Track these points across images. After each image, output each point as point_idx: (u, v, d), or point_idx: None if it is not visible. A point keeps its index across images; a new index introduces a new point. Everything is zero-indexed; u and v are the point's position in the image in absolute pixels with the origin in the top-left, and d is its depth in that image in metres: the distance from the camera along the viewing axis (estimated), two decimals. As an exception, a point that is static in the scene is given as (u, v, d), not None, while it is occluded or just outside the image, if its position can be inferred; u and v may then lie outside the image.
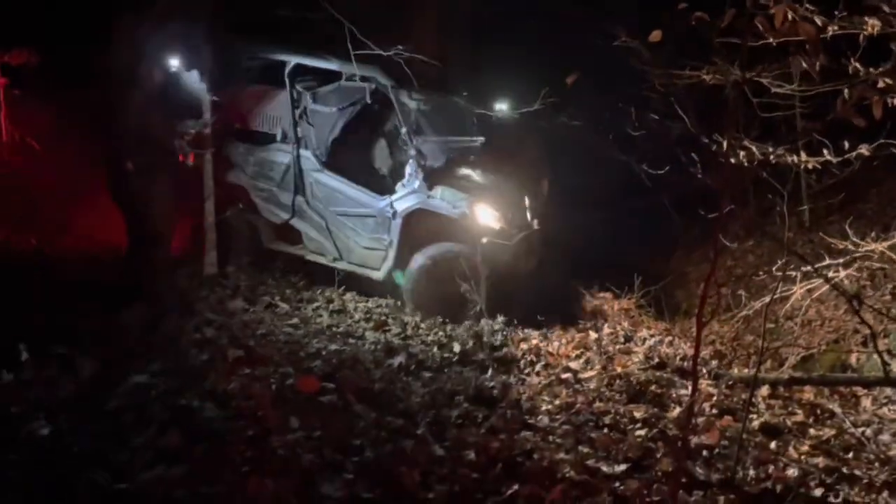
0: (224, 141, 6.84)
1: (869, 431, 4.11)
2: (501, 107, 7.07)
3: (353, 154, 7.00)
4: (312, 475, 3.18)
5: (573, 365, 4.88)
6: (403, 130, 6.44)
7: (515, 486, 3.21)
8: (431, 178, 6.36)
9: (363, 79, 6.45)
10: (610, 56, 4.33)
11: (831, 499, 3.30)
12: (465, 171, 6.58)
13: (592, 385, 4.56)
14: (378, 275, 6.57)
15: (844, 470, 3.61)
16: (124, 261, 5.73)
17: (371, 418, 3.90)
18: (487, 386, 4.47)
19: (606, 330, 5.50)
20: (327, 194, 6.78)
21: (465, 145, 6.88)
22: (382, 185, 6.84)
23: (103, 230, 7.10)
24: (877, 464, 3.72)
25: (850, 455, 3.83)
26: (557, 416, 4.11)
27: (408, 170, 6.40)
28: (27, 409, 3.44)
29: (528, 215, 6.58)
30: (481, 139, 6.87)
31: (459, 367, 4.78)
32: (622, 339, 5.37)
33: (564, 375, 4.70)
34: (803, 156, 3.10)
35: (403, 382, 4.56)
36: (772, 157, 2.68)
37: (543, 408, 4.22)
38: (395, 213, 6.42)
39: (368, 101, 6.64)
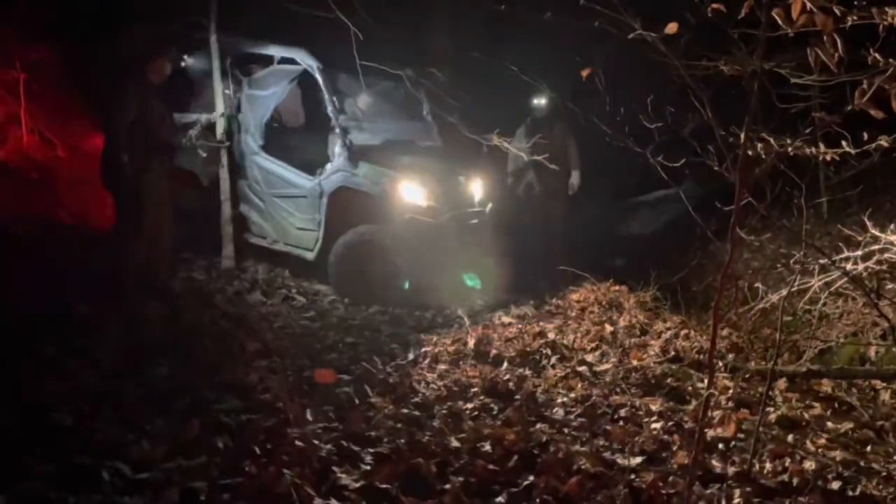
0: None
1: (888, 425, 4.08)
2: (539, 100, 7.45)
3: (292, 136, 7.23)
4: (330, 466, 3.21)
5: (589, 358, 4.88)
6: (329, 109, 6.47)
7: (531, 478, 3.22)
8: (358, 156, 6.39)
9: (293, 61, 6.71)
10: (626, 47, 4.33)
11: (849, 492, 3.28)
12: (398, 152, 6.62)
13: (608, 378, 4.55)
14: (311, 255, 6.60)
15: (862, 463, 3.59)
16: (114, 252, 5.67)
17: (387, 410, 3.93)
18: (503, 379, 4.48)
19: (622, 323, 5.48)
20: (264, 177, 6.88)
21: (412, 131, 7.12)
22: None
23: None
24: (895, 457, 3.69)
25: (869, 448, 3.80)
26: (573, 409, 4.12)
27: (336, 149, 6.45)
28: (50, 399, 3.50)
29: (475, 199, 6.67)
30: (431, 127, 7.21)
31: (474, 361, 4.79)
32: (638, 332, 5.35)
33: (580, 368, 4.70)
34: (821, 147, 3.08)
35: (419, 375, 4.58)
36: (790, 149, 2.65)
37: (559, 400, 4.22)
38: (321, 193, 6.48)
39: (297, 83, 6.84)
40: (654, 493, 3.10)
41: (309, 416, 3.73)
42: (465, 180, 6.74)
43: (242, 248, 7.00)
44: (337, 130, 6.46)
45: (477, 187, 6.84)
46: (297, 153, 6.89)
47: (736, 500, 3.09)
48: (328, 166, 6.50)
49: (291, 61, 6.78)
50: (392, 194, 6.22)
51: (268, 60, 7.02)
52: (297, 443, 3.36)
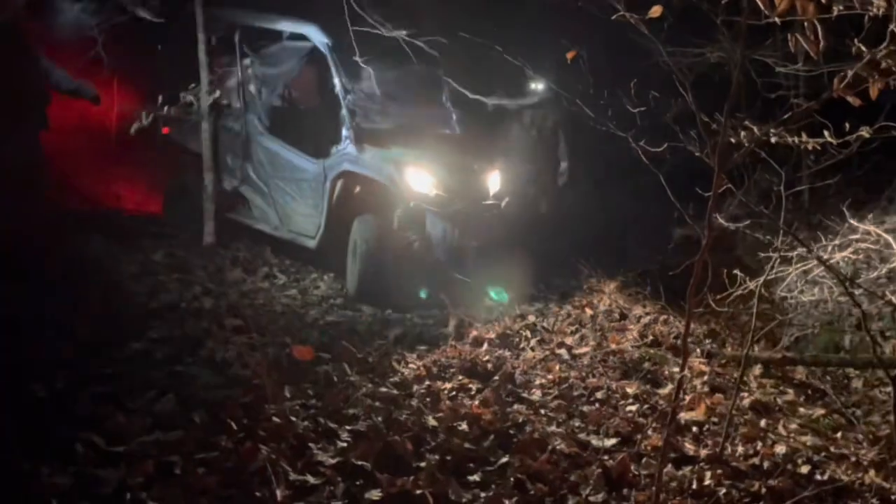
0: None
1: (859, 412, 4.16)
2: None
3: (300, 117, 6.74)
4: (306, 442, 3.23)
5: (568, 341, 4.91)
6: (337, 88, 6.07)
7: (506, 457, 3.25)
8: (366, 140, 5.92)
9: (304, 38, 6.33)
10: (609, 30, 4.31)
11: (818, 476, 3.34)
12: (409, 138, 6.06)
13: (586, 361, 4.59)
14: (312, 243, 6.24)
15: (833, 449, 3.66)
16: None
17: (366, 389, 3.94)
18: (482, 360, 4.50)
19: (602, 307, 5.52)
20: (269, 159, 6.53)
21: (429, 117, 6.55)
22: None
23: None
24: (865, 443, 3.76)
25: (839, 434, 3.87)
26: (550, 391, 4.15)
27: (343, 131, 6.00)
28: (25, 370, 3.48)
29: (490, 192, 6.10)
30: (450, 114, 6.63)
31: (454, 342, 4.81)
32: (617, 317, 5.39)
33: (559, 351, 4.73)
34: (803, 136, 3.10)
35: (399, 354, 4.60)
36: (771, 136, 2.67)
37: (537, 382, 4.26)
38: (325, 177, 6.08)
39: (309, 62, 6.44)
40: (627, 474, 3.14)
41: (287, 393, 3.73)
42: (481, 171, 6.17)
43: (237, 229, 6.82)
44: (344, 112, 6.02)
45: (494, 180, 6.21)
46: (309, 136, 6.42)
47: (707, 482, 3.14)
48: (333, 149, 6.07)
49: (302, 38, 6.40)
50: (397, 181, 5.76)
51: (277, 36, 6.67)
52: (275, 419, 3.37)
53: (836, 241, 3.36)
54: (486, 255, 5.90)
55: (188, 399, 3.46)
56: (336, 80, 6.08)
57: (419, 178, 5.76)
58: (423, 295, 5.79)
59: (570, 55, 3.03)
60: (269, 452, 3.01)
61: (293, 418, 3.41)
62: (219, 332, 4.51)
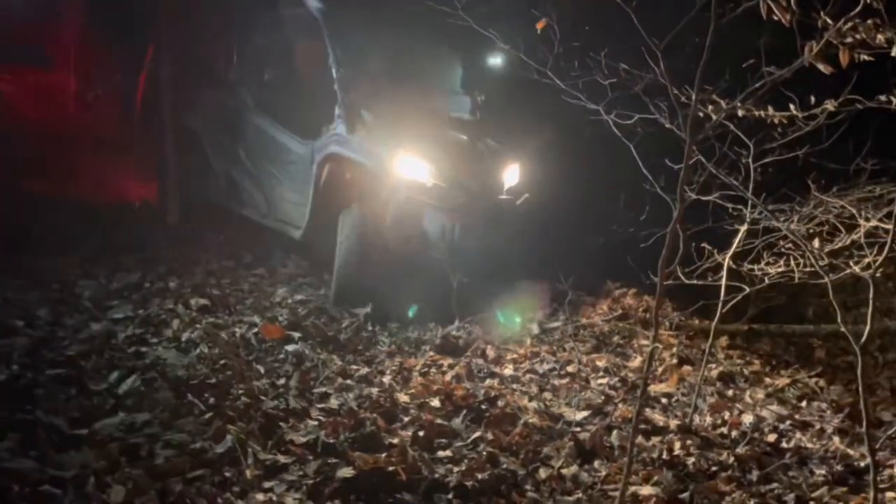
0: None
1: (822, 382, 4.24)
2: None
3: (293, 93, 5.84)
4: (277, 421, 3.18)
5: (539, 315, 4.92)
6: (329, 60, 5.27)
7: (479, 432, 3.25)
8: (360, 120, 5.11)
9: (299, 2, 5.61)
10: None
11: (783, 444, 3.40)
12: (411, 120, 5.13)
13: (557, 335, 4.60)
14: (297, 234, 5.51)
15: (797, 417, 3.73)
16: None
17: (337, 366, 3.90)
18: (453, 336, 4.48)
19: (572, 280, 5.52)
20: (258, 138, 5.88)
21: (441, 101, 5.68)
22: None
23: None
24: (829, 411, 3.84)
25: (804, 403, 3.95)
26: (522, 365, 4.16)
27: (335, 110, 5.20)
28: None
29: (504, 186, 5.11)
30: (466, 99, 5.80)
31: (426, 319, 4.79)
32: (587, 291, 5.40)
33: (530, 325, 4.73)
34: (770, 110, 3.11)
35: (370, 332, 4.56)
36: (739, 110, 2.65)
37: (509, 357, 4.26)
38: (312, 160, 5.33)
39: (305, 30, 5.63)
40: (598, 445, 3.16)
41: (257, 372, 3.67)
42: (495, 162, 5.23)
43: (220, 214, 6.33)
44: (336, 87, 5.22)
45: (513, 172, 5.22)
46: (301, 114, 5.64)
47: (677, 452, 3.18)
48: (324, 129, 5.28)
49: (299, 3, 5.64)
50: (388, 167, 4.88)
51: (271, 2, 5.96)
52: (243, 398, 3.32)
53: (803, 210, 3.38)
54: (496, 258, 4.88)
55: (153, 380, 3.39)
56: (329, 51, 5.29)
57: (414, 166, 4.88)
58: (411, 313, 4.88)
59: (539, 25, 2.98)
60: (237, 432, 2.97)
61: (262, 397, 3.37)
62: (184, 312, 4.42)
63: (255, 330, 4.24)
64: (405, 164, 4.87)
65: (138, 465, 2.70)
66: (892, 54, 2.19)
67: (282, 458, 2.91)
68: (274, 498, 2.63)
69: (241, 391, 3.37)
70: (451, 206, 4.89)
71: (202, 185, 6.39)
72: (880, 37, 1.85)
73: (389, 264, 4.88)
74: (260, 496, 2.64)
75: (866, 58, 2.20)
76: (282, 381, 3.65)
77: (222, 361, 3.66)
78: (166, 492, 2.56)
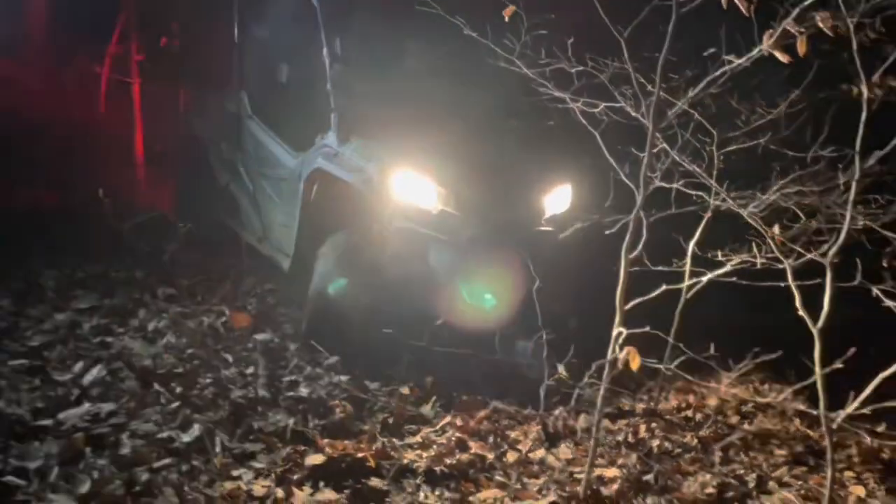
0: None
1: (785, 365, 4.33)
2: None
3: (292, 96, 4.69)
4: (245, 410, 3.17)
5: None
6: (323, 53, 4.30)
7: (448, 417, 3.27)
8: (356, 127, 4.14)
9: None
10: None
11: (746, 426, 3.48)
12: (424, 129, 3.98)
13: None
14: (286, 263, 4.55)
15: (759, 398, 3.81)
16: None
17: (307, 356, 3.89)
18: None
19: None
20: (255, 149, 5.06)
21: (466, 104, 4.34)
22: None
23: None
24: (790, 395, 3.93)
25: (766, 386, 4.03)
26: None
27: (332, 116, 4.23)
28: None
29: (545, 211, 4.14)
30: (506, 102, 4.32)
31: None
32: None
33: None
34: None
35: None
36: (700, 98, 2.69)
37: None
38: (300, 176, 4.37)
39: (308, 24, 4.53)
40: (566, 428, 3.20)
41: (225, 362, 3.65)
42: (532, 184, 4.18)
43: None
44: (329, 87, 4.26)
45: (560, 196, 4.22)
46: (298, 120, 4.66)
47: (642, 434, 3.23)
48: (318, 139, 4.32)
49: None
50: (379, 187, 3.87)
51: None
52: (211, 388, 3.30)
53: (765, 198, 3.42)
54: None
55: (119, 370, 3.36)
56: (323, 41, 4.31)
57: (416, 186, 3.87)
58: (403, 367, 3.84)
59: (507, 12, 2.98)
60: (205, 421, 2.96)
61: (231, 386, 3.35)
62: (151, 301, 4.37)
63: (224, 319, 4.21)
64: (403, 184, 3.86)
65: (104, 456, 2.69)
66: (854, 47, 2.25)
67: (250, 447, 2.91)
68: (242, 486, 2.63)
69: (208, 380, 3.35)
70: (463, 241, 3.85)
71: (209, 200, 5.57)
72: (826, 25, 1.89)
73: (376, 308, 3.83)
74: (228, 484, 2.64)
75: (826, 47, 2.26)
76: (250, 370, 3.63)
77: (189, 351, 3.64)
78: (133, 482, 2.54)
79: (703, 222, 3.53)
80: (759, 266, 3.24)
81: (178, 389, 3.22)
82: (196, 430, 2.88)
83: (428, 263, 3.86)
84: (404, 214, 3.84)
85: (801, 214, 3.19)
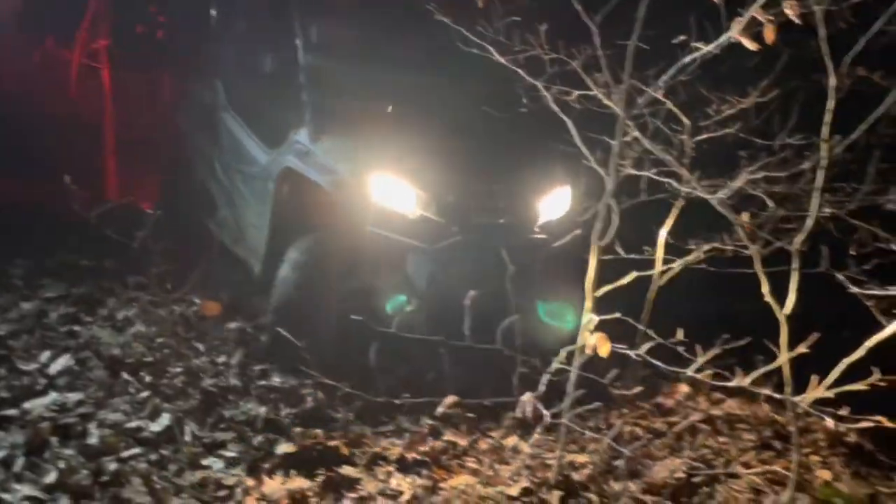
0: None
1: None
2: None
3: (269, 87, 4.25)
4: (216, 399, 3.15)
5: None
6: (296, 40, 3.99)
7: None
8: (331, 122, 3.81)
9: None
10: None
11: (715, 411, 3.52)
12: (403, 123, 3.82)
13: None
14: (258, 269, 4.16)
15: (730, 385, 3.85)
16: None
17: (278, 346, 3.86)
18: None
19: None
20: (230, 143, 4.67)
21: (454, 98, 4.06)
22: None
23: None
24: (760, 379, 3.98)
25: (737, 371, 4.08)
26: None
27: (305, 111, 3.90)
28: None
29: (539, 217, 3.83)
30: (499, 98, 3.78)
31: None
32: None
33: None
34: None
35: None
36: (660, 86, 2.70)
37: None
38: (270, 175, 4.07)
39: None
40: (537, 415, 3.21)
41: (196, 351, 3.62)
42: (523, 186, 3.85)
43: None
44: (302, 79, 3.92)
45: (558, 200, 3.87)
46: (274, 113, 4.30)
47: (613, 420, 3.26)
48: (291, 135, 3.96)
49: None
50: (353, 190, 3.56)
51: None
52: (181, 377, 3.27)
53: (736, 184, 3.44)
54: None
55: (87, 359, 3.31)
56: (297, 28, 3.97)
57: (393, 189, 3.58)
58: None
59: (481, 2, 2.97)
60: (175, 410, 2.93)
61: (201, 375, 3.32)
62: (120, 290, 4.31)
63: (195, 308, 4.16)
64: (379, 187, 3.56)
65: (70, 445, 2.66)
66: (820, 35, 2.28)
67: (220, 436, 2.89)
68: (212, 475, 2.61)
69: (178, 369, 3.32)
70: (443, 248, 3.55)
71: (189, 195, 5.27)
72: (794, 13, 1.90)
73: (344, 327, 3.46)
74: (198, 473, 2.62)
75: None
76: (222, 358, 3.60)
77: (159, 340, 3.60)
78: (100, 471, 2.51)
79: (674, 210, 3.56)
80: (730, 254, 3.29)
81: (148, 378, 3.19)
82: (166, 419, 2.86)
83: (406, 272, 3.57)
84: (380, 219, 3.53)
85: (769, 202, 3.23)
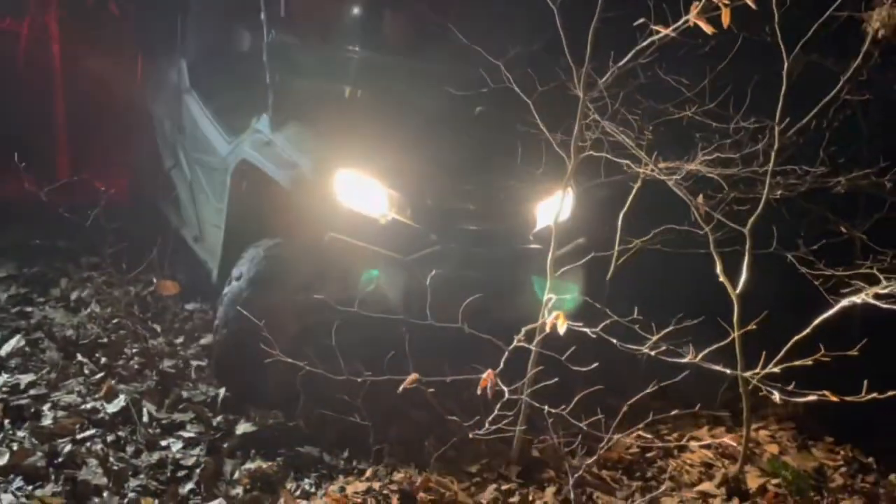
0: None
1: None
2: None
3: (235, 66, 3.94)
4: (174, 380, 3.11)
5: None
6: (261, 15, 3.35)
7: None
8: (294, 109, 3.34)
9: None
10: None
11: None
12: (379, 113, 3.35)
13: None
14: (214, 273, 3.64)
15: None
16: None
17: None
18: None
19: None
20: (192, 129, 4.22)
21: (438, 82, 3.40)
22: None
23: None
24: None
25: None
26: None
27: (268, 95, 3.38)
28: None
29: (534, 223, 3.33)
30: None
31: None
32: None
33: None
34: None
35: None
36: (629, 66, 2.73)
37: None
38: (228, 167, 3.58)
39: None
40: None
41: (152, 331, 3.57)
42: (514, 187, 3.33)
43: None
44: (265, 59, 3.35)
45: (557, 205, 2.85)
46: (239, 96, 3.87)
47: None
48: (254, 122, 3.49)
49: None
50: (314, 188, 3.06)
51: None
52: (137, 358, 3.22)
53: (689, 167, 3.51)
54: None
55: (39, 340, 3.24)
56: (262, 2, 3.34)
57: (360, 189, 3.09)
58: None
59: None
60: (131, 392, 2.89)
61: (157, 357, 3.28)
62: (74, 270, 4.21)
63: (151, 288, 4.09)
64: (344, 186, 3.07)
65: (24, 427, 2.61)
66: (775, 20, 2.33)
67: (179, 416, 2.86)
68: (170, 455, 2.59)
69: (135, 350, 3.27)
70: (418, 259, 3.04)
71: (154, 188, 4.88)
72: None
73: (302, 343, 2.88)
74: (156, 455, 2.59)
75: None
76: (180, 339, 3.56)
77: (115, 321, 3.54)
78: (55, 453, 2.47)
79: (633, 192, 3.61)
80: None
81: (103, 360, 3.14)
82: (122, 400, 2.82)
83: (380, 284, 3.03)
84: (344, 224, 3.02)
85: (724, 184, 3.30)
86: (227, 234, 3.52)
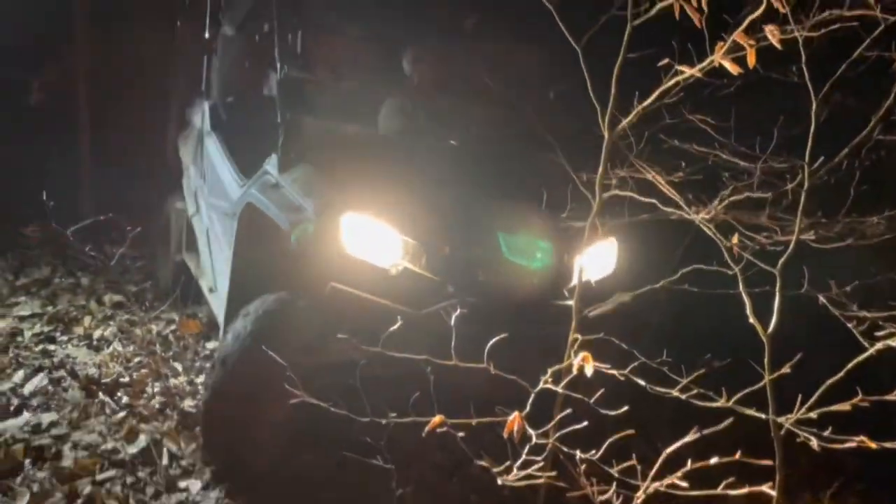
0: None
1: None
2: None
3: (254, 109, 3.91)
4: (195, 420, 3.08)
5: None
6: (275, 51, 3.21)
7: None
8: (306, 149, 3.05)
9: None
10: None
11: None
12: (399, 153, 3.15)
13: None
14: (222, 328, 3.28)
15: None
16: None
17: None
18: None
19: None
20: (210, 174, 4.04)
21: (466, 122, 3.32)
22: None
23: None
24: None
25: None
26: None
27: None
28: None
29: (567, 277, 2.84)
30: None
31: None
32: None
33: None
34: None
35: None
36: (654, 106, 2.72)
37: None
38: (235, 212, 3.31)
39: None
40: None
41: (174, 370, 3.55)
42: (549, 236, 2.93)
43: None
44: (275, 95, 3.24)
45: (599, 255, 2.93)
46: (255, 139, 3.62)
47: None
48: (265, 164, 3.20)
49: None
50: (318, 234, 2.71)
51: None
52: (159, 397, 3.21)
53: (718, 206, 3.49)
54: None
55: (61, 379, 3.24)
56: (275, 37, 3.22)
57: (369, 235, 2.72)
58: None
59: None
60: (152, 432, 2.86)
61: (179, 396, 3.26)
62: (97, 308, 4.23)
63: (173, 327, 4.10)
64: (351, 232, 2.71)
65: (44, 468, 2.59)
66: (803, 60, 2.32)
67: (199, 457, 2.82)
68: (190, 497, 2.56)
69: (156, 390, 3.25)
70: (434, 315, 2.48)
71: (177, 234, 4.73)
72: (775, 38, 1.93)
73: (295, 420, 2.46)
74: (175, 496, 2.56)
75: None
76: (201, 378, 3.54)
77: (137, 359, 3.53)
78: (74, 494, 2.45)
79: (684, 243, 3.57)
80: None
81: (125, 399, 3.13)
82: (142, 440, 2.80)
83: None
84: (350, 273, 2.61)
85: (758, 220, 3.26)
86: (232, 287, 3.18)
